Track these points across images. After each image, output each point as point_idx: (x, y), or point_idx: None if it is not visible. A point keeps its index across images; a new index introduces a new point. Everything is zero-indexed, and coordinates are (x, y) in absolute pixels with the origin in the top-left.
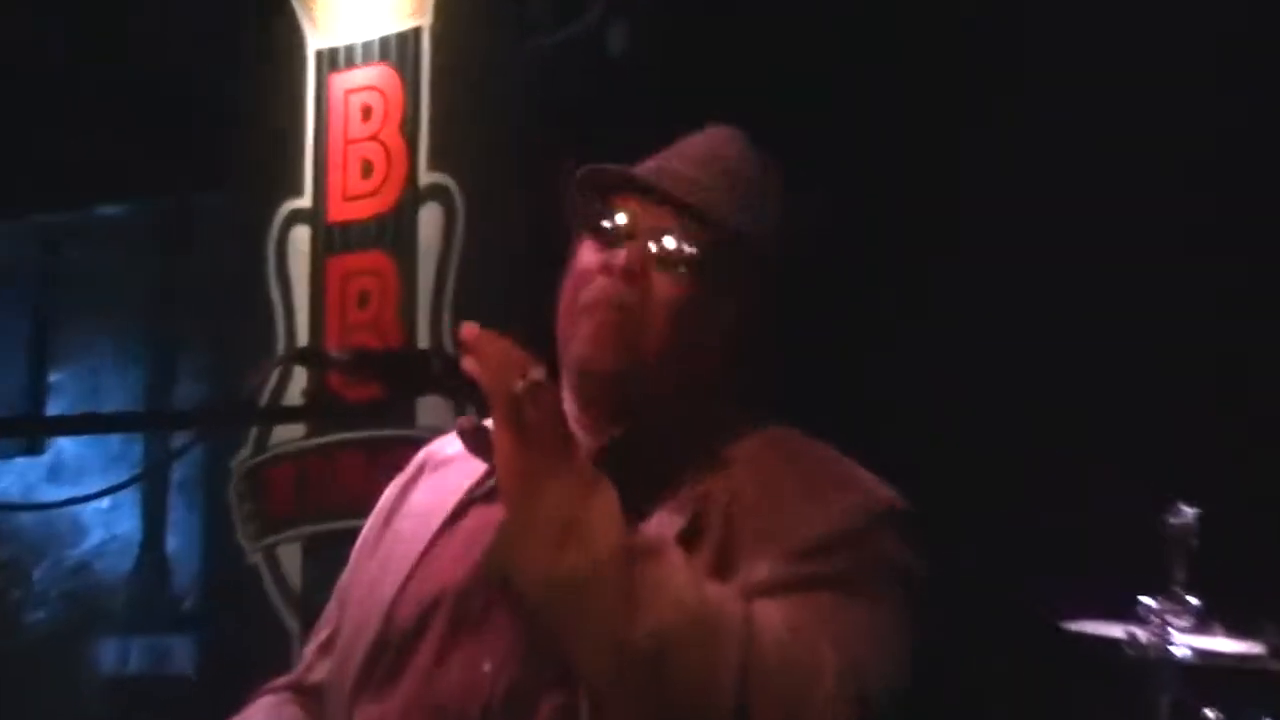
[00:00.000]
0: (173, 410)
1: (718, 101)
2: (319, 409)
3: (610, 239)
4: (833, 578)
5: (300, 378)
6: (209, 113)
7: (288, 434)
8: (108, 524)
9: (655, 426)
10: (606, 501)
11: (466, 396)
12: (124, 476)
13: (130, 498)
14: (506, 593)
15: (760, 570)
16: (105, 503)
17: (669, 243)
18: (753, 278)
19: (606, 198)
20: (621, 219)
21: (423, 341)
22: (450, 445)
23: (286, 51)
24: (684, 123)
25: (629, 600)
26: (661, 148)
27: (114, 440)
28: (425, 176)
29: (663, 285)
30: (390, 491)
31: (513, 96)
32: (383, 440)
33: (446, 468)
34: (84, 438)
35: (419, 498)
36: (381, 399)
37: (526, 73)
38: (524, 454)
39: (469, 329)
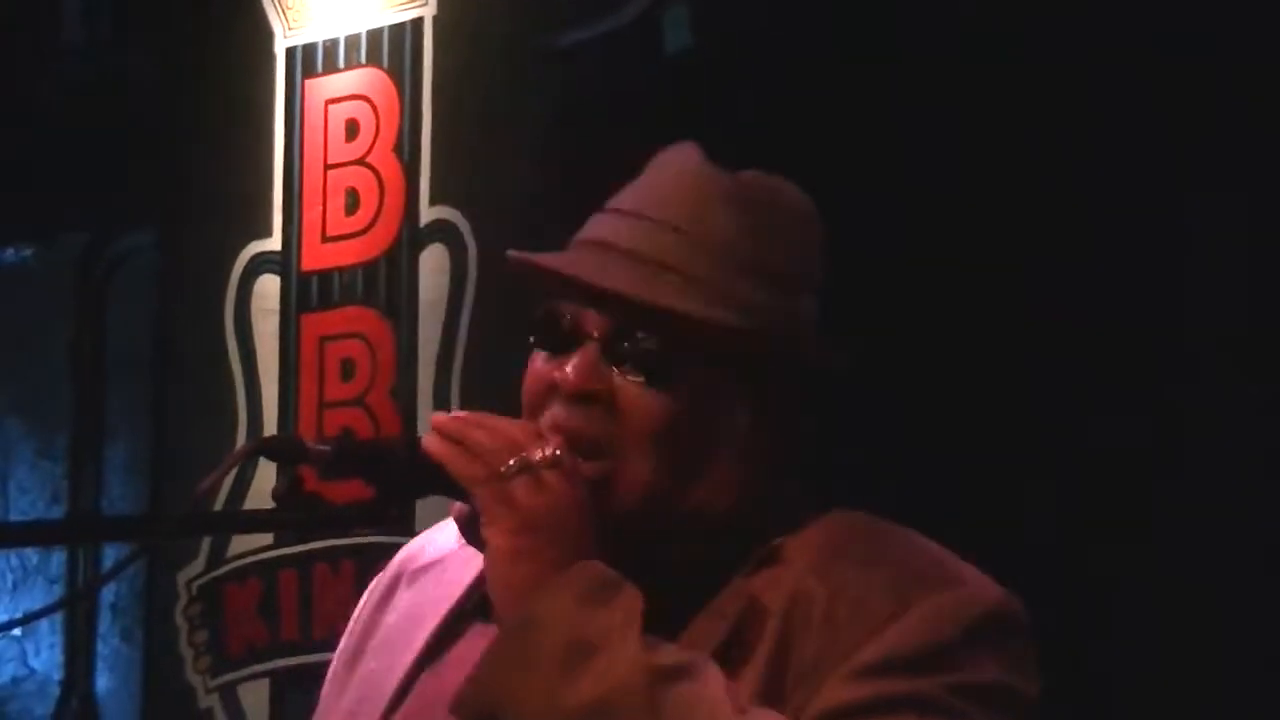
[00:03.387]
0: (102, 517)
1: (802, 108)
2: (290, 515)
3: (555, 346)
4: (915, 700)
5: (268, 473)
6: (143, 129)
7: (252, 540)
8: (21, 657)
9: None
10: (626, 611)
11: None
12: (40, 597)
13: (49, 624)
14: None
15: (825, 692)
16: (17, 629)
17: (624, 344)
18: (763, 366)
19: (551, 291)
20: (561, 321)
21: (425, 424)
22: (432, 545)
23: (247, 49)
24: (760, 140)
25: None
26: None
27: (27, 549)
28: (428, 211)
29: (631, 401)
30: (358, 615)
31: (541, 108)
32: (373, 549)
33: (428, 576)
34: None
35: (394, 621)
36: (371, 501)
37: (559, 77)
38: (519, 553)
39: (439, 418)
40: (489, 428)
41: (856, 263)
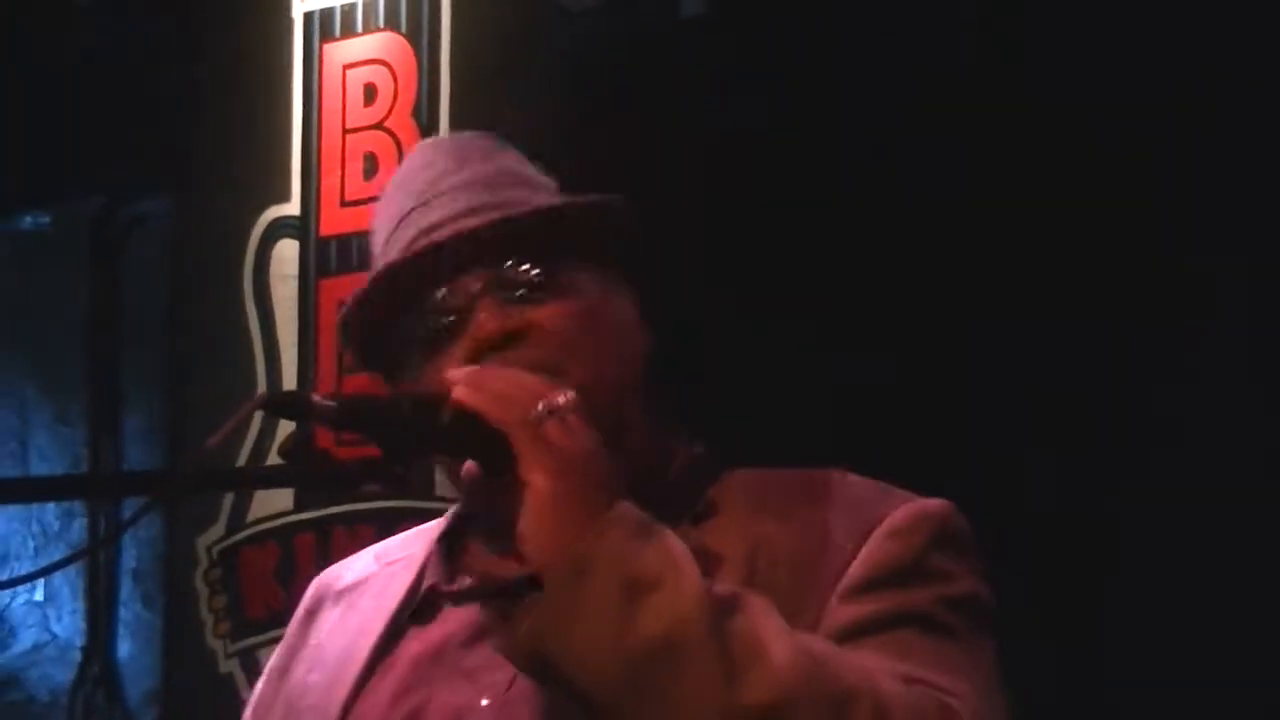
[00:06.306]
0: (110, 473)
1: (817, 73)
2: (297, 471)
3: (444, 331)
4: (912, 615)
5: (284, 433)
6: (160, 92)
7: (271, 505)
8: (43, 623)
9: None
10: (673, 547)
11: (489, 459)
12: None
13: (70, 590)
14: (556, 693)
15: (826, 618)
16: (39, 595)
17: (508, 279)
18: (609, 253)
19: (410, 304)
20: (443, 303)
21: None
22: (350, 570)
23: (264, 13)
24: (774, 104)
25: (729, 664)
26: (752, 135)
27: (48, 514)
28: None
29: (549, 320)
30: (285, 641)
31: (559, 72)
32: (392, 513)
33: (355, 594)
34: (7, 511)
35: (324, 639)
36: (378, 460)
37: (577, 40)
38: (562, 495)
39: (457, 372)
40: (507, 377)
41: (856, 238)
